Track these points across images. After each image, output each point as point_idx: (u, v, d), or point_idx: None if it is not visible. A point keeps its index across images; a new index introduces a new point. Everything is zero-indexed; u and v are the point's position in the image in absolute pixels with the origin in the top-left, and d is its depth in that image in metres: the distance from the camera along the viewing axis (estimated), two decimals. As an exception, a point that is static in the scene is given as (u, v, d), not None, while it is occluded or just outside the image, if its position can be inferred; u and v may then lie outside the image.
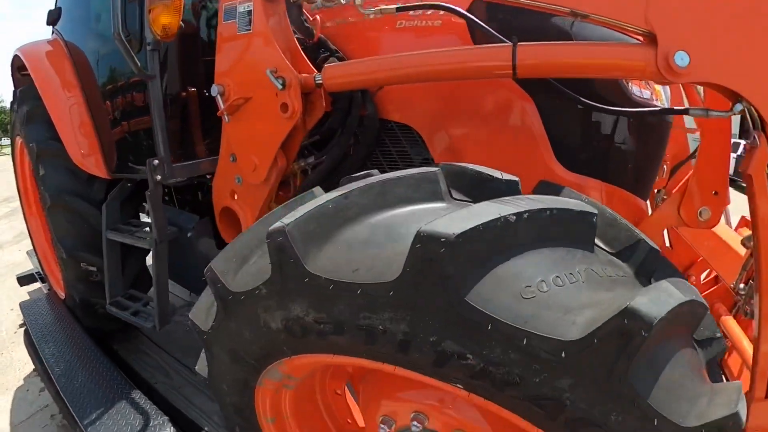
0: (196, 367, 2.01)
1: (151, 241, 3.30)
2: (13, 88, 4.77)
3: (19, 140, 4.73)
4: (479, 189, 1.60)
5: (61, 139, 3.77)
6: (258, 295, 1.51)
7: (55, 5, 4.33)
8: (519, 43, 1.85)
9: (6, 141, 73.32)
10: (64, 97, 3.82)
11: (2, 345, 6.53)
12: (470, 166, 1.67)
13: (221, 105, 2.74)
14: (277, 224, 1.39)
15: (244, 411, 1.99)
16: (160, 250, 3.27)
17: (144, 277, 4.20)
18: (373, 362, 1.44)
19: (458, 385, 1.27)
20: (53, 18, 4.31)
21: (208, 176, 3.45)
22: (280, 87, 2.43)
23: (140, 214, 4.25)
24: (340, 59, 2.71)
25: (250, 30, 2.59)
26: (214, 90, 2.75)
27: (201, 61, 3.37)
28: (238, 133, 2.82)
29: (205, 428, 3.32)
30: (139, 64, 2.72)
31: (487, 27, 2.20)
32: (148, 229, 3.67)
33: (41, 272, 6.14)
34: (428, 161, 2.69)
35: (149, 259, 4.12)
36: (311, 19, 2.84)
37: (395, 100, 2.72)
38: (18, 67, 4.70)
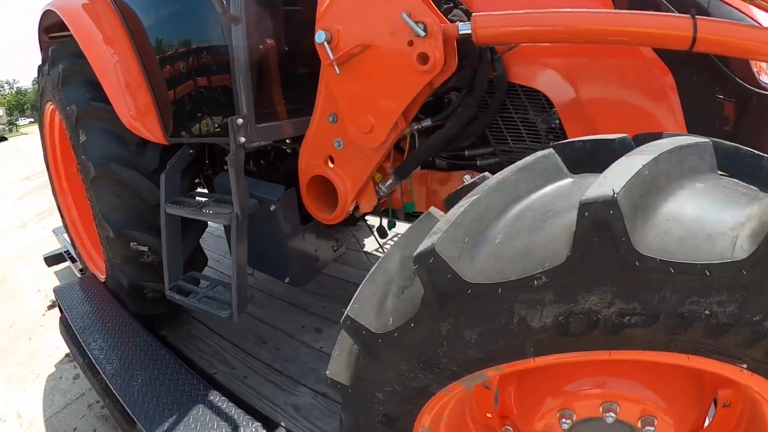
0: (328, 372, 1.60)
1: (231, 216, 2.70)
2: (40, 51, 4.23)
3: (49, 106, 4.08)
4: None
5: (106, 99, 3.18)
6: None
7: None
8: (697, 17, 1.73)
9: (23, 121, 73.45)
10: (110, 53, 3.18)
11: (30, 329, 5.98)
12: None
13: (330, 54, 2.28)
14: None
15: (398, 421, 1.62)
16: (241, 226, 2.69)
17: (198, 257, 3.62)
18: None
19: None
20: None
21: (287, 141, 2.95)
22: (423, 34, 2.04)
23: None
24: (465, 12, 2.35)
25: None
26: (321, 36, 2.28)
27: (283, 7, 2.82)
28: (351, 88, 2.37)
29: (282, 423, 2.79)
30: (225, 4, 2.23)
31: None
32: (210, 201, 3.07)
33: (71, 252, 5.62)
34: (554, 131, 2.41)
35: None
36: None
37: (526, 62, 2.39)
38: (45, 29, 4.11)
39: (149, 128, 3.13)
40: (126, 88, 3.14)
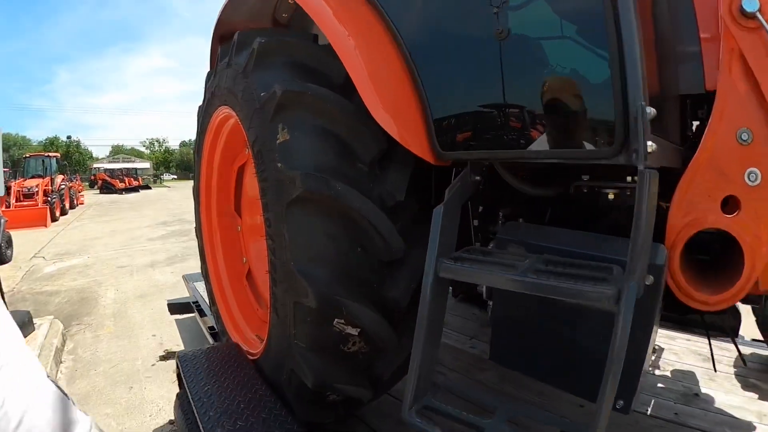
0: None
1: (621, 289, 1.28)
2: (210, 64, 3.39)
3: (220, 114, 2.80)
4: None
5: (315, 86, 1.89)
6: None
7: None
8: None
9: (167, 176, 78.77)
10: (356, 30, 1.98)
11: (134, 377, 4.81)
12: None
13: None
14: None
15: None
16: (633, 305, 1.27)
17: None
18: None
19: None
20: None
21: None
22: None
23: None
24: None
25: None
26: (753, 4, 1.39)
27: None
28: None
29: None
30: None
31: None
32: (534, 261, 1.51)
33: (200, 303, 4.59)
34: None
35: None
36: None
37: None
38: (221, 37, 3.19)
39: (409, 135, 1.74)
40: (372, 70, 1.81)
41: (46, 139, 75.18)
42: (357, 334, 1.77)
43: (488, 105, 1.69)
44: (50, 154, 26.47)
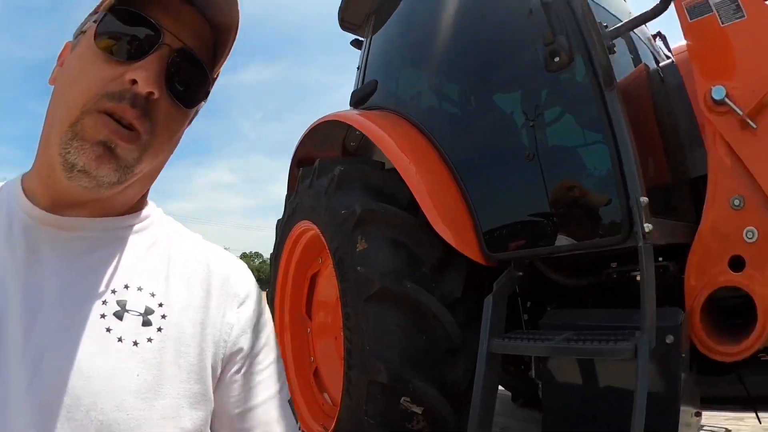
0: None
1: (638, 344, 1.56)
2: (288, 187, 3.77)
3: (298, 229, 3.21)
4: None
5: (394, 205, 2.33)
6: None
7: (361, 82, 3.38)
8: None
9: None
10: (408, 158, 2.44)
11: None
12: None
13: (737, 110, 1.72)
14: None
15: None
16: (647, 362, 1.52)
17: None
18: None
19: None
20: (362, 96, 3.27)
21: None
22: None
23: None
24: None
25: (744, 17, 1.79)
26: (720, 92, 1.75)
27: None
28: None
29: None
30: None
31: None
32: (567, 335, 1.83)
33: None
34: None
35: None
36: None
37: None
38: (299, 161, 3.57)
39: (464, 243, 2.13)
40: (431, 191, 2.24)
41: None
42: (421, 412, 2.03)
43: (523, 212, 2.12)
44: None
